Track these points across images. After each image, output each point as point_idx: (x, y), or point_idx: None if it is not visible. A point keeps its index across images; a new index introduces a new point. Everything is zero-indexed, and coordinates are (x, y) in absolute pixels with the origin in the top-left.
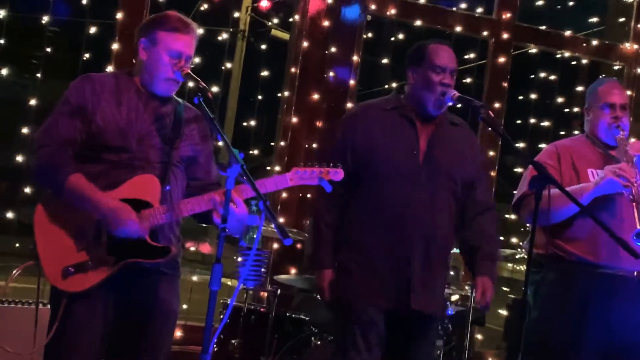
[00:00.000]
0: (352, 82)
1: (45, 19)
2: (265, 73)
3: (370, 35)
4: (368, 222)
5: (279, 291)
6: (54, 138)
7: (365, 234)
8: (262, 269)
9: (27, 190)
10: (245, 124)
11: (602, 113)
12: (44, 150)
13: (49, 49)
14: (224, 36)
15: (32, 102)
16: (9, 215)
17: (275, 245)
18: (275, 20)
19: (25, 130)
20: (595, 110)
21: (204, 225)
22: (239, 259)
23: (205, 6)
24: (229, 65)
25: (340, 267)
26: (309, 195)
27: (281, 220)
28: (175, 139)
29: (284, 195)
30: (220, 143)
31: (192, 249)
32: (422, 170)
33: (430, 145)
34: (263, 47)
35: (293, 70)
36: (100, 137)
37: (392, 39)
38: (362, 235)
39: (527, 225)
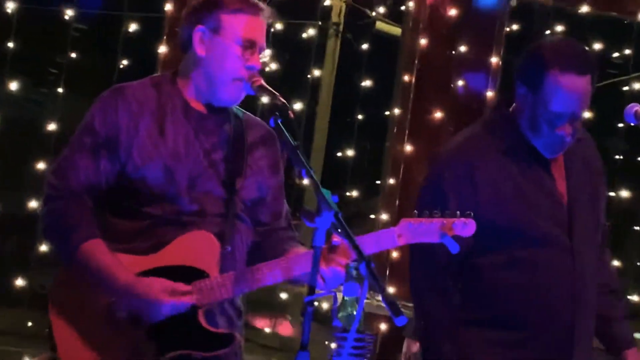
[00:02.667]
0: (489, 93)
1: (69, 13)
2: (367, 83)
3: (515, 27)
4: (518, 297)
5: None
6: (69, 184)
7: (515, 311)
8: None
9: (43, 247)
10: (339, 154)
11: None
12: (53, 201)
13: (73, 54)
14: (310, 32)
15: (51, 126)
16: (19, 282)
17: (383, 326)
18: (381, 10)
19: (41, 166)
20: None
21: (282, 296)
22: (333, 345)
23: None
24: (317, 72)
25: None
26: None
27: (391, 290)
28: (237, 176)
29: (395, 254)
30: (306, 181)
31: (267, 329)
32: (573, 221)
33: (572, 196)
34: (364, 46)
35: (406, 78)
36: (137, 181)
37: (547, 32)
38: (510, 313)
39: None
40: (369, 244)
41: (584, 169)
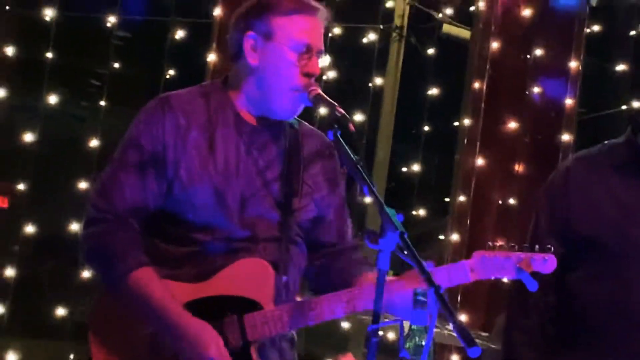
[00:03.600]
0: (569, 101)
1: (111, 20)
2: (434, 92)
3: (597, 28)
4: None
5: None
6: (114, 205)
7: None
8: None
9: (86, 274)
10: (404, 169)
11: None
12: (97, 224)
13: (116, 64)
14: (370, 37)
15: (93, 142)
16: (60, 311)
17: (455, 358)
18: (449, 11)
19: (82, 185)
20: None
21: (344, 325)
22: None
23: None
24: (379, 80)
25: None
26: (505, 280)
27: (463, 318)
28: (293, 195)
29: None
30: (368, 199)
31: None
32: None
33: None
34: (430, 51)
35: (477, 85)
36: (184, 203)
37: (633, 33)
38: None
39: None
40: (441, 277)
41: None
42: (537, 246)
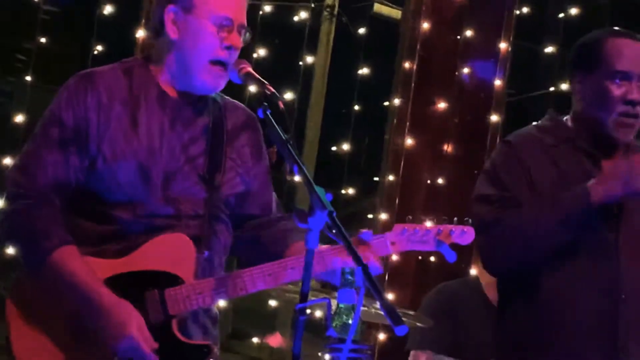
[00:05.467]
0: (498, 82)
1: None
2: (364, 71)
3: (526, 10)
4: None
5: None
6: (36, 182)
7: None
8: None
9: (10, 250)
10: (334, 148)
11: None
12: (18, 201)
13: (43, 39)
14: (302, 15)
15: (19, 118)
16: None
17: (381, 336)
18: None
19: (8, 161)
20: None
21: (272, 303)
22: (327, 357)
23: None
24: (309, 59)
25: None
26: (432, 259)
27: (390, 297)
28: (217, 171)
29: (395, 258)
30: (298, 178)
31: (255, 340)
32: (617, 234)
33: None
34: (361, 31)
35: (407, 65)
36: (107, 180)
37: (561, 15)
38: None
39: None
40: (361, 251)
41: None
42: (455, 218)
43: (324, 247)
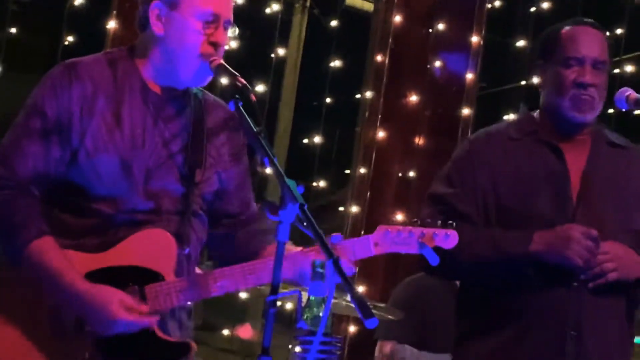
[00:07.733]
0: (469, 75)
1: None
2: (336, 64)
3: (498, 4)
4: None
5: None
6: (15, 172)
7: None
8: None
9: None
10: (305, 141)
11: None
12: None
13: (13, 29)
14: (273, 8)
15: None
16: None
17: (352, 328)
18: None
19: None
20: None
21: (242, 295)
22: (297, 349)
23: None
24: (281, 51)
25: None
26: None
27: (361, 289)
28: (196, 167)
29: None
30: (269, 171)
31: (225, 332)
32: (573, 221)
33: (587, 181)
34: (333, 23)
35: (379, 58)
36: (89, 172)
37: (533, 9)
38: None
39: None
40: (343, 252)
41: (615, 177)
42: (439, 221)
43: (294, 250)
